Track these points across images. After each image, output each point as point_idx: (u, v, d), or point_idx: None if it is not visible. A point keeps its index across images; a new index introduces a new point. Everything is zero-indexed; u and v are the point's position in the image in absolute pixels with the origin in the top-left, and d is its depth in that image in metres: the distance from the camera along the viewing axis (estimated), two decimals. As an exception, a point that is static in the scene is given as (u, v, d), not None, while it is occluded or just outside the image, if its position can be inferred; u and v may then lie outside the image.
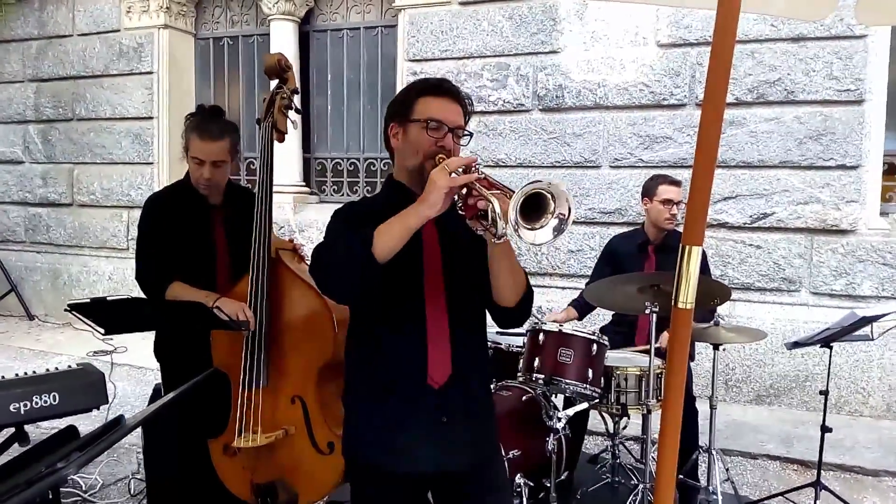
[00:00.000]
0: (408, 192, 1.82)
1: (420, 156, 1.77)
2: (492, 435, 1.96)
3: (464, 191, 1.58)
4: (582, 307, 3.81)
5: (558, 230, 1.48)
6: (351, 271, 1.64)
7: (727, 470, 3.47)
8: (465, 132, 1.83)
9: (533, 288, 1.89)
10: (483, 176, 1.58)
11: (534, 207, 1.47)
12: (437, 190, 1.57)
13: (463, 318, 1.83)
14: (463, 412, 1.82)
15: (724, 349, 3.49)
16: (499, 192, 1.53)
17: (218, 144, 2.62)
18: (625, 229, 4.25)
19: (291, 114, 2.73)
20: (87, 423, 1.59)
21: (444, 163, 1.61)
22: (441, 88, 1.81)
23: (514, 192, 1.46)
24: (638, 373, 3.19)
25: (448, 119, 1.78)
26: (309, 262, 1.76)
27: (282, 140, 2.72)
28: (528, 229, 1.46)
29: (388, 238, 1.61)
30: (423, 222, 1.61)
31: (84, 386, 1.74)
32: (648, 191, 3.72)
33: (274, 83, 2.72)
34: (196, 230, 2.73)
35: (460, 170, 1.58)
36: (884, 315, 3.21)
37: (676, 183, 3.68)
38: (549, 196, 1.47)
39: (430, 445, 1.78)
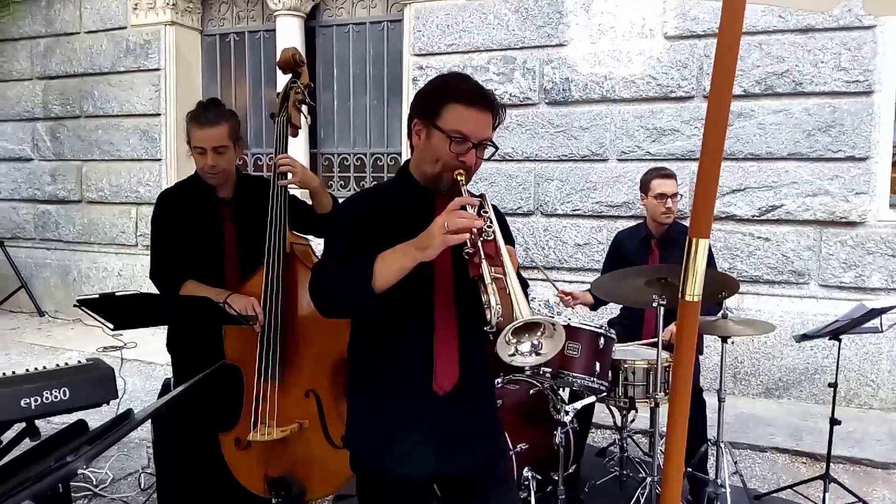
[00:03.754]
0: (421, 192, 1.81)
1: (439, 166, 1.73)
2: (494, 438, 1.95)
3: (468, 248, 1.57)
4: (597, 298, 3.81)
5: (534, 352, 1.50)
6: (351, 303, 1.71)
7: (736, 463, 3.47)
8: (490, 144, 1.77)
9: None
10: (490, 237, 1.57)
11: (527, 326, 1.48)
12: (434, 247, 1.56)
13: (473, 325, 1.79)
14: (466, 418, 1.82)
15: (732, 342, 3.48)
16: (499, 270, 1.53)
17: (216, 129, 2.60)
18: (632, 223, 4.24)
19: (304, 108, 2.75)
20: (96, 419, 1.60)
21: (447, 217, 1.56)
22: (473, 99, 1.73)
23: (508, 272, 1.52)
24: (645, 366, 3.19)
25: (475, 133, 1.72)
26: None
27: (295, 135, 2.74)
28: (513, 344, 1.48)
29: (386, 274, 1.63)
30: (416, 264, 1.61)
31: (94, 381, 1.74)
32: (644, 186, 3.71)
33: (286, 78, 2.73)
34: (205, 225, 2.74)
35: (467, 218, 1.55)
36: (893, 307, 3.19)
37: (669, 175, 3.65)
38: (545, 326, 1.48)
39: (430, 450, 1.77)
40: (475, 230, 1.55)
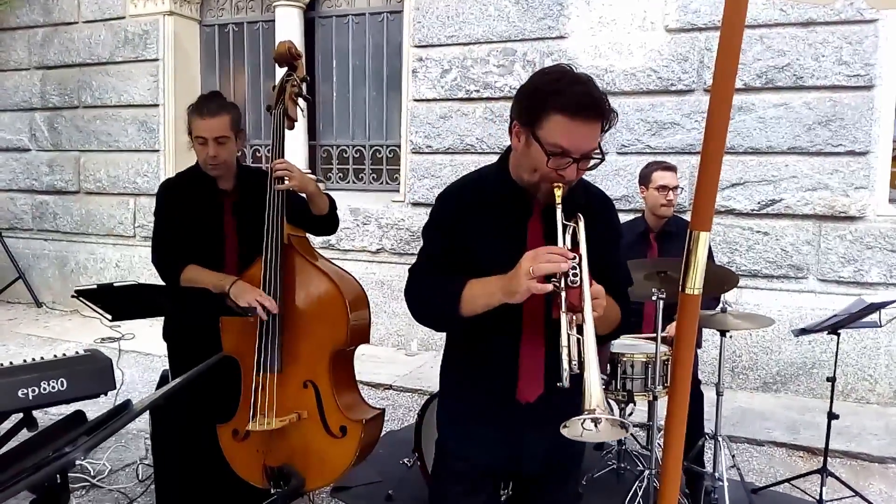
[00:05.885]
0: (518, 191, 1.72)
1: (537, 176, 1.62)
2: (574, 446, 1.82)
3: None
4: None
5: (593, 427, 1.46)
6: (439, 320, 1.79)
7: (733, 457, 3.47)
8: (595, 155, 1.64)
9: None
10: (576, 284, 1.48)
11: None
12: (521, 293, 1.51)
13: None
14: (550, 425, 1.70)
15: (730, 336, 3.48)
16: (580, 321, 1.47)
17: (218, 120, 2.62)
18: (631, 216, 4.23)
19: (301, 101, 2.75)
20: (94, 410, 1.59)
21: (533, 262, 1.49)
22: (579, 109, 1.57)
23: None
24: (644, 359, 3.18)
25: (577, 148, 1.58)
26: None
27: (292, 127, 2.75)
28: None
29: (473, 305, 1.63)
30: (501, 304, 1.59)
31: (92, 372, 1.73)
32: (644, 178, 3.69)
33: (282, 71, 2.73)
34: (205, 215, 2.74)
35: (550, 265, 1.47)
36: (892, 302, 3.20)
37: (671, 168, 3.63)
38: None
39: (507, 448, 1.77)
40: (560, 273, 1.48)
